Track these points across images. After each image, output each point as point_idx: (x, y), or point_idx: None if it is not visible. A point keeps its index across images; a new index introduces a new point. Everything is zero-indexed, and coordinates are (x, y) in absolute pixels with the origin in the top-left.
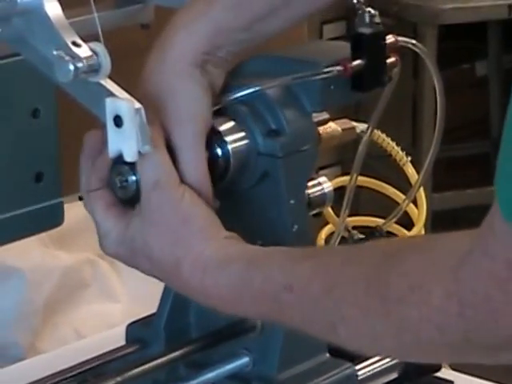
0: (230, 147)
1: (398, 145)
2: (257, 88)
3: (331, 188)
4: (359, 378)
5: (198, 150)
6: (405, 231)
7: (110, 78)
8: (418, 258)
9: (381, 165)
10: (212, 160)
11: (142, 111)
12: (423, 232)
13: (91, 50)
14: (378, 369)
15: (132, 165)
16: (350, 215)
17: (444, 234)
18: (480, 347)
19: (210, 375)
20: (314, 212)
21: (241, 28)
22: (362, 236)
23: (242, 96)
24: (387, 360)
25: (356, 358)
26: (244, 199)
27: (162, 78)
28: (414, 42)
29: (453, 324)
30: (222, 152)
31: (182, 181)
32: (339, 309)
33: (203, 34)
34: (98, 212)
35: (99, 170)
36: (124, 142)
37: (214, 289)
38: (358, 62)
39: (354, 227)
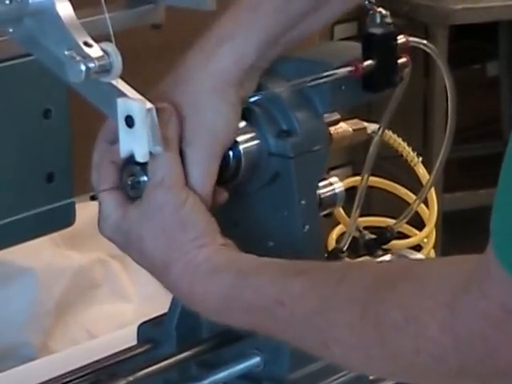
0: (241, 147)
1: (409, 145)
2: (269, 92)
3: (342, 188)
4: (370, 377)
5: (210, 168)
6: (416, 231)
7: (122, 78)
8: (413, 289)
9: (392, 165)
10: (223, 160)
11: (154, 111)
12: (434, 232)
13: (102, 50)
14: None
15: (143, 165)
16: (361, 215)
17: (436, 262)
18: (476, 376)
19: (221, 375)
20: (325, 212)
21: (285, 31)
22: (373, 236)
23: (254, 101)
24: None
25: None
26: (255, 199)
27: (194, 90)
28: (425, 42)
29: (449, 356)
30: (234, 152)
31: None
32: (333, 330)
33: (250, 48)
34: (102, 192)
35: (113, 152)
36: (135, 143)
37: (202, 296)
38: (369, 62)
39: (365, 227)
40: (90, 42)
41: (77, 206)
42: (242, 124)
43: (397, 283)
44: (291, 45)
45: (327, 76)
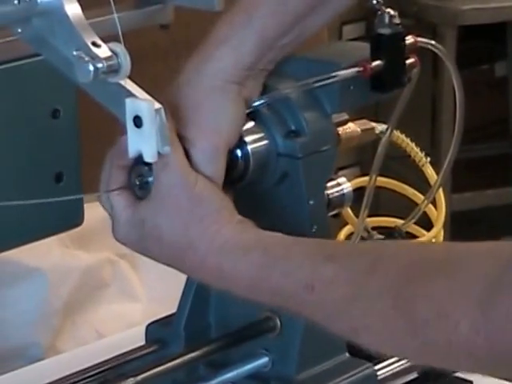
0: (249, 148)
1: (417, 145)
2: (277, 93)
3: (350, 188)
4: (379, 377)
5: (216, 167)
6: (424, 232)
7: (130, 78)
8: (446, 283)
9: (400, 165)
10: (231, 160)
11: (162, 112)
12: (442, 233)
13: (111, 50)
14: (398, 369)
15: (151, 165)
16: (369, 216)
17: (474, 248)
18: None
19: (230, 375)
20: (333, 212)
21: (283, 33)
22: (381, 236)
23: (262, 103)
24: (407, 360)
25: (375, 358)
26: (263, 200)
27: (194, 91)
28: (433, 42)
29: (481, 353)
30: (242, 152)
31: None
32: (363, 318)
33: (246, 49)
34: (112, 195)
35: (121, 155)
36: (144, 143)
37: (231, 272)
38: (377, 62)
39: (373, 228)
40: (99, 42)
41: (85, 205)
42: (251, 124)
43: (430, 275)
44: (292, 46)
45: (335, 76)
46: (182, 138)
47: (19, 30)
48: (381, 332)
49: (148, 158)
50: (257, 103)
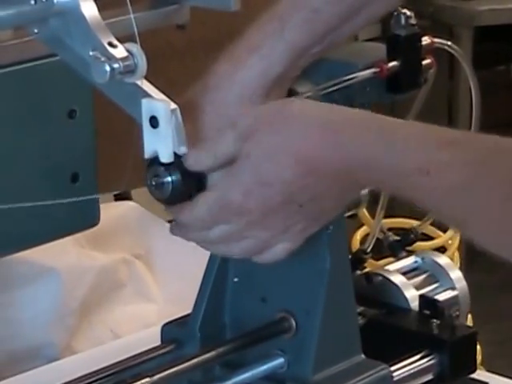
0: None
1: None
2: (296, 95)
3: (366, 190)
4: (394, 379)
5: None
6: (440, 233)
7: (146, 78)
8: None
9: None
10: None
11: (178, 112)
12: (458, 235)
13: (127, 50)
14: (413, 370)
15: (168, 166)
16: (385, 217)
17: None
18: None
19: (245, 376)
20: (350, 213)
21: (315, 42)
22: (397, 238)
23: None
24: (422, 361)
25: (391, 359)
26: None
27: (221, 97)
28: (449, 43)
29: None
30: None
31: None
32: (476, 209)
33: (276, 59)
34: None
35: None
36: (160, 143)
37: (348, 149)
38: (393, 63)
39: (389, 229)
40: (115, 42)
41: (101, 206)
42: None
43: None
44: (322, 53)
45: (353, 78)
46: (198, 140)
47: (36, 31)
48: (491, 225)
49: (164, 159)
50: None
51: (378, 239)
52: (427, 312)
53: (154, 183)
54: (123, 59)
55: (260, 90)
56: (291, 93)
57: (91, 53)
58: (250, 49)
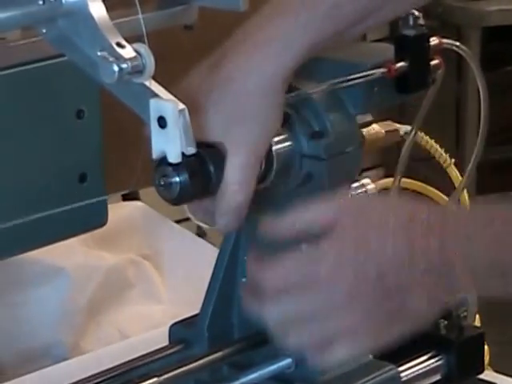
0: (273, 149)
1: (441, 147)
2: (302, 94)
3: (375, 190)
4: (402, 379)
5: (247, 177)
6: None
7: (154, 78)
8: None
9: (424, 167)
10: None
11: (186, 112)
12: None
13: (135, 51)
14: (421, 370)
15: (176, 166)
16: None
17: None
18: None
19: (253, 376)
20: None
21: (334, 36)
22: None
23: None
24: (430, 362)
25: (399, 360)
26: (287, 201)
27: (234, 90)
28: (457, 44)
29: None
30: (266, 153)
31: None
32: None
33: (299, 50)
34: None
35: None
36: (168, 143)
37: None
38: (401, 64)
39: None
40: (123, 42)
41: (108, 206)
42: None
43: None
44: (347, 42)
45: (360, 77)
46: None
47: (44, 31)
48: None
49: (172, 159)
50: None
51: None
52: None
53: (162, 183)
54: (131, 59)
55: (275, 85)
56: (291, 89)
57: (99, 53)
58: (271, 38)
